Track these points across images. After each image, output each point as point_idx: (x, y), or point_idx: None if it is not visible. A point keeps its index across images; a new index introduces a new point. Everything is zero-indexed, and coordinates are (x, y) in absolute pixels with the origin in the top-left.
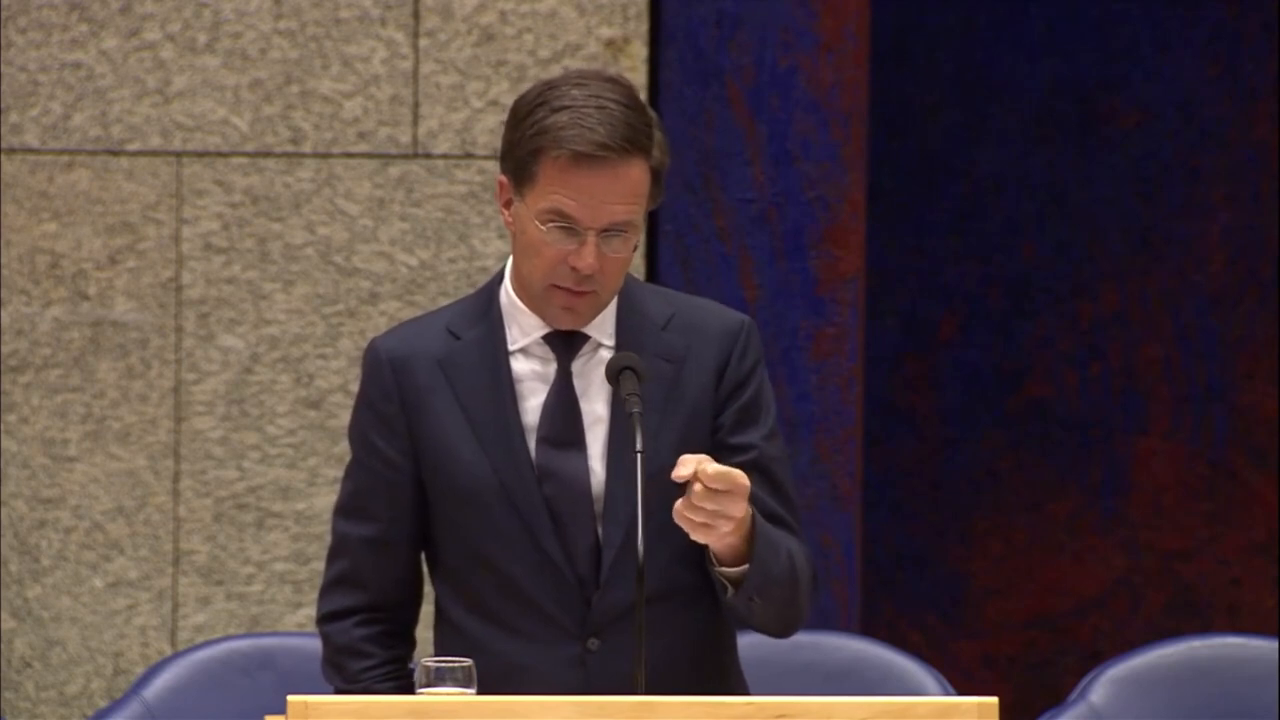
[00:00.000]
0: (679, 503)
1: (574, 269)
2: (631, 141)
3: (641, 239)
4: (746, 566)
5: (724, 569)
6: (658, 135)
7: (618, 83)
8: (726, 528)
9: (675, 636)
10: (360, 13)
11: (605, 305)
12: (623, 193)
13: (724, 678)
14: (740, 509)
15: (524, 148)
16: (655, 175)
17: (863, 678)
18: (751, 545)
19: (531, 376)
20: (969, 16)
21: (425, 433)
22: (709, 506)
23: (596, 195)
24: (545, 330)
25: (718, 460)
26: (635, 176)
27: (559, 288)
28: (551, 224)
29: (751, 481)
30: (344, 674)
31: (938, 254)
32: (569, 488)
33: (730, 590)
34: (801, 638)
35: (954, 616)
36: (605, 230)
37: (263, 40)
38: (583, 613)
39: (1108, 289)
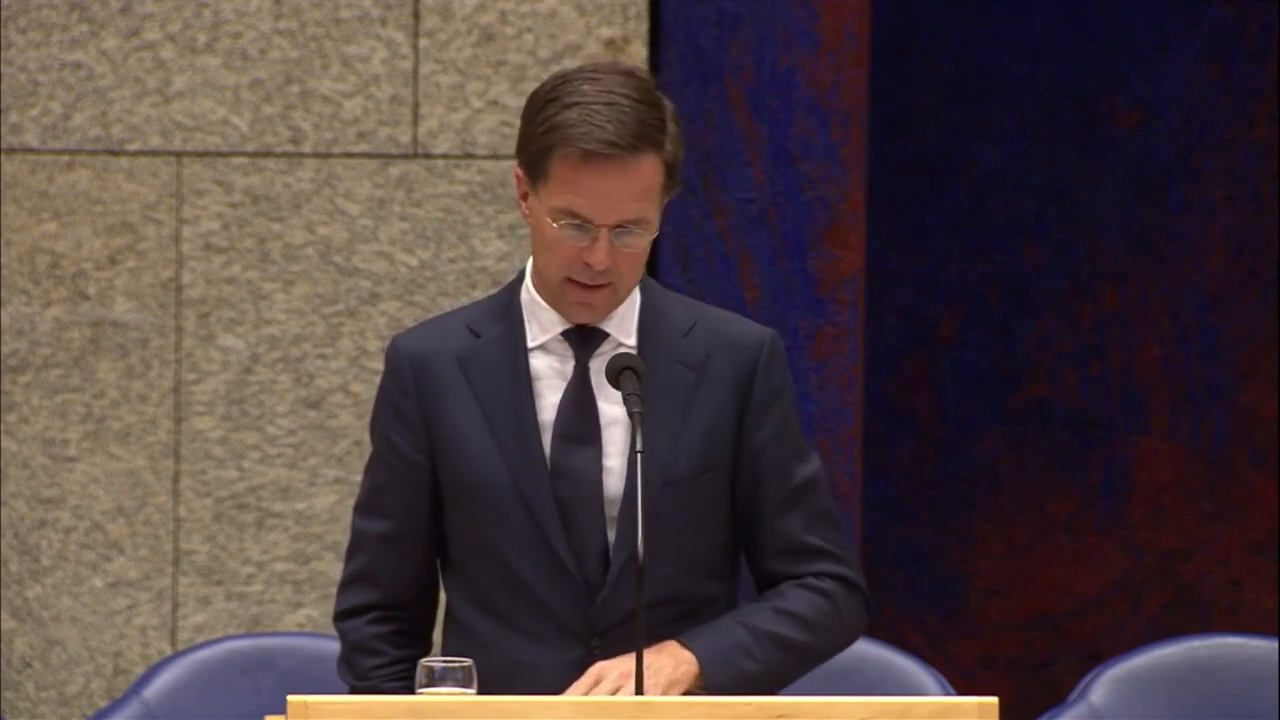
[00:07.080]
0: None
1: (587, 265)
2: (641, 137)
3: None
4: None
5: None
6: (671, 128)
7: (632, 75)
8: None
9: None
10: (360, 13)
11: (623, 299)
12: (633, 190)
13: None
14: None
15: (536, 144)
16: (668, 169)
17: (863, 678)
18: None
19: (550, 374)
20: (969, 16)
21: (442, 429)
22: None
23: (607, 193)
24: (564, 326)
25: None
26: (646, 172)
27: (574, 283)
28: (564, 221)
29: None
30: (355, 671)
31: (938, 254)
32: (580, 485)
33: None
34: None
35: (954, 616)
36: (617, 227)
37: (263, 40)
38: (587, 615)
39: (1108, 289)
